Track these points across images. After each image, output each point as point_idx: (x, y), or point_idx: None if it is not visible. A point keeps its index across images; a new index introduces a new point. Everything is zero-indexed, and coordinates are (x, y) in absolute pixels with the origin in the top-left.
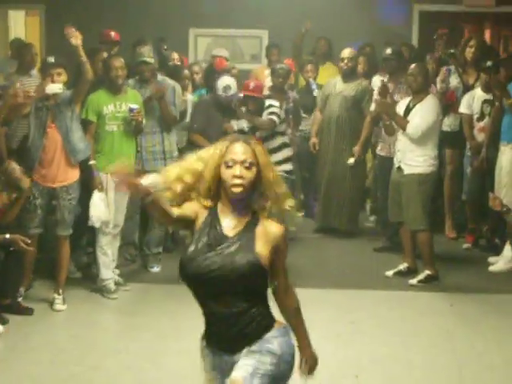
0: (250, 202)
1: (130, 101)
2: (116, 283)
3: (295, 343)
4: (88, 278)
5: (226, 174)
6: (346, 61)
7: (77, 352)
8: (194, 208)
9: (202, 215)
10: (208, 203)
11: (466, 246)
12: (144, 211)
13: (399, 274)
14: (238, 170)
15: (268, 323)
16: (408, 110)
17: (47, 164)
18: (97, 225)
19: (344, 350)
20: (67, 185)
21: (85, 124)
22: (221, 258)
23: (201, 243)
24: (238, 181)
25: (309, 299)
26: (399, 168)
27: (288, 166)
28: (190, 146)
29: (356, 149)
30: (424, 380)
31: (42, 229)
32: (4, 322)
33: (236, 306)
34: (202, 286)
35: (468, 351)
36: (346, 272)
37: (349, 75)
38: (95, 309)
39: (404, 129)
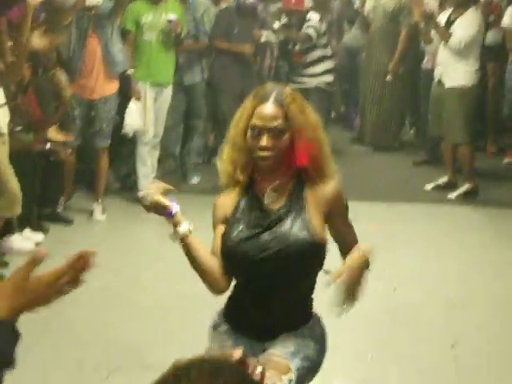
0: (290, 163)
1: (170, 11)
2: None
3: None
4: (127, 188)
5: (252, 143)
6: None
7: (116, 261)
8: (220, 217)
9: (232, 203)
10: (242, 177)
11: (506, 160)
12: (185, 123)
13: (438, 187)
14: (264, 140)
15: (310, 314)
16: (449, 23)
17: (86, 75)
18: (130, 134)
19: (382, 263)
20: (106, 96)
21: (124, 34)
22: (272, 237)
23: (243, 226)
24: (265, 153)
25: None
26: (440, 81)
27: (328, 78)
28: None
29: (391, 65)
30: (459, 291)
31: (81, 140)
32: (44, 230)
33: (283, 291)
34: (250, 270)
35: (504, 265)
36: (385, 185)
37: None
38: (134, 219)
39: (446, 40)
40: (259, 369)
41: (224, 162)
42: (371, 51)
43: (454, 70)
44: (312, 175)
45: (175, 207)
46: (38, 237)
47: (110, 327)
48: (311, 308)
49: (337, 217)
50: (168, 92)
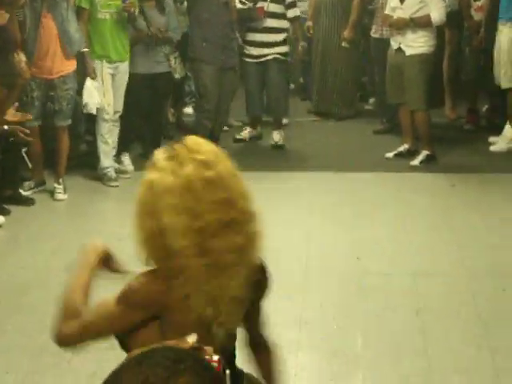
0: None
1: None
2: (118, 171)
3: None
4: (87, 166)
5: None
6: None
7: (79, 241)
8: None
9: None
10: None
11: (466, 126)
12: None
13: (399, 155)
14: None
15: None
16: None
17: (43, 55)
18: (93, 111)
19: (345, 233)
20: (64, 75)
21: (78, 11)
22: None
23: None
24: None
25: (310, 183)
26: (399, 50)
27: (284, 49)
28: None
29: (345, 32)
30: (425, 260)
31: (41, 120)
32: (5, 212)
33: None
34: None
35: (468, 231)
36: (346, 155)
37: None
38: (96, 197)
39: (430, 25)
40: (215, 357)
41: None
42: (320, 20)
43: (413, 39)
44: None
45: None
46: (0, 219)
47: None
48: None
49: None
50: (125, 68)
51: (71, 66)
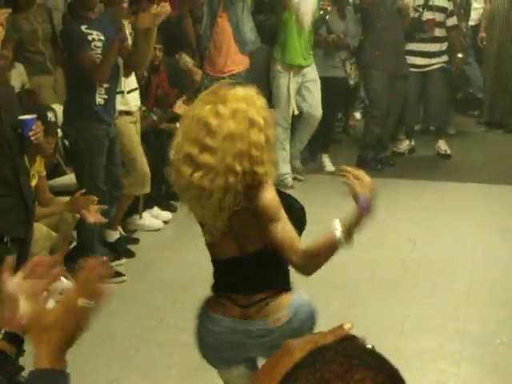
0: None
1: None
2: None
3: None
4: None
5: None
6: None
7: None
8: None
9: None
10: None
11: None
12: None
13: None
14: None
15: None
16: None
17: (217, 53)
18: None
19: (511, 246)
20: (236, 73)
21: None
22: None
23: None
24: None
25: (477, 194)
26: None
27: (447, 58)
28: None
29: None
30: None
31: None
32: (172, 209)
33: None
34: None
35: None
36: None
37: None
38: None
39: None
40: (369, 345)
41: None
42: (492, 31)
43: None
44: None
45: None
46: (167, 215)
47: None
48: None
49: None
50: (313, 73)
51: (244, 64)
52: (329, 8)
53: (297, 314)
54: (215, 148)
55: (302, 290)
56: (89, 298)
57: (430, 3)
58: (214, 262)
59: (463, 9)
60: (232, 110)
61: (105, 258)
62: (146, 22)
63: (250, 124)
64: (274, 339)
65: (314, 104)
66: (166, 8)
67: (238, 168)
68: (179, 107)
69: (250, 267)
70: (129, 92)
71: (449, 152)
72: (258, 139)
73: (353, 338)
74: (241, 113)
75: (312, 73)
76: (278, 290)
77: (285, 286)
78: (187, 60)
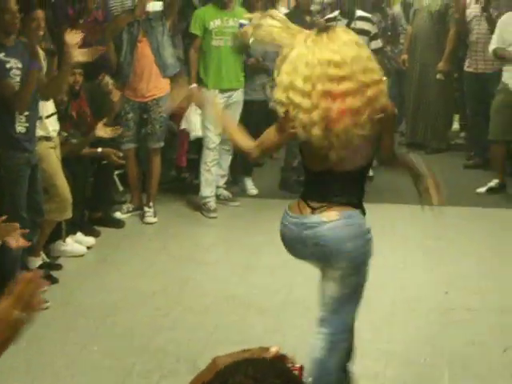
0: None
1: (238, 16)
2: (223, 198)
3: None
4: (177, 192)
5: None
6: None
7: (167, 265)
8: None
9: None
10: None
11: None
12: None
13: (491, 190)
14: None
15: None
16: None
17: (138, 78)
18: (191, 137)
19: (434, 266)
20: (157, 98)
21: (191, 38)
22: None
23: None
24: None
25: (399, 215)
26: None
27: None
28: None
29: (440, 64)
30: None
31: (135, 143)
32: (95, 234)
33: None
34: None
35: None
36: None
37: None
38: (186, 222)
39: None
40: (297, 364)
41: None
42: (414, 53)
43: None
44: None
45: None
46: (90, 240)
47: (164, 331)
48: None
49: None
50: (238, 96)
51: (165, 88)
52: (250, 33)
53: (347, 223)
54: (348, 75)
55: (366, 220)
56: (23, 311)
57: (352, 26)
58: (307, 172)
59: (390, 31)
60: (342, 42)
61: (40, 272)
62: (83, 57)
63: (357, 46)
64: (322, 231)
65: None
66: (100, 48)
67: (368, 80)
68: (100, 130)
69: (340, 180)
70: (47, 117)
71: (371, 174)
72: (368, 53)
73: (283, 357)
74: (348, 42)
75: (238, 95)
76: (344, 200)
77: (354, 202)
78: (109, 81)
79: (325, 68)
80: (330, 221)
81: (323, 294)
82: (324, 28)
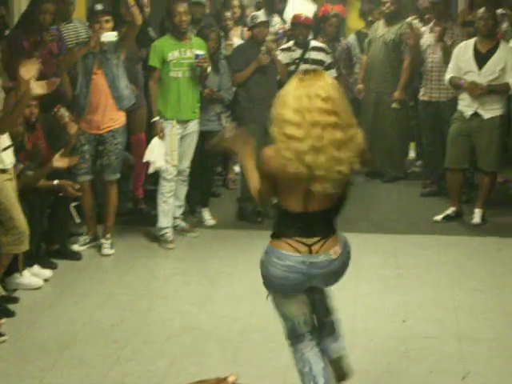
0: None
1: (195, 47)
2: (181, 229)
3: None
4: (134, 223)
5: None
6: (388, 4)
7: (125, 297)
8: None
9: None
10: None
11: None
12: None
13: (447, 218)
14: None
15: None
16: (480, 55)
17: (93, 110)
18: (150, 170)
19: (391, 295)
20: (113, 130)
21: (150, 70)
22: None
23: None
24: None
25: (356, 244)
26: (474, 114)
27: None
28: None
29: (396, 94)
30: (471, 324)
31: (91, 175)
32: (52, 266)
33: None
34: None
35: None
36: (392, 217)
37: (391, 18)
38: (143, 253)
39: (508, 91)
40: None
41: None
42: (369, 82)
43: (491, 102)
44: None
45: None
46: (47, 273)
47: (122, 363)
48: None
49: None
50: (195, 127)
51: (120, 120)
52: (205, 64)
53: (346, 248)
54: (335, 110)
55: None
56: None
57: (306, 56)
58: (286, 214)
59: (344, 61)
60: (327, 83)
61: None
62: (40, 89)
63: (339, 90)
64: (335, 266)
65: (185, 157)
66: (56, 81)
67: (350, 122)
68: (57, 161)
69: (320, 219)
70: (3, 149)
71: None
72: (346, 100)
73: None
74: (332, 84)
75: (194, 126)
76: (331, 232)
77: (334, 229)
78: (65, 114)
79: (313, 100)
80: (338, 256)
81: (320, 307)
82: (310, 69)
